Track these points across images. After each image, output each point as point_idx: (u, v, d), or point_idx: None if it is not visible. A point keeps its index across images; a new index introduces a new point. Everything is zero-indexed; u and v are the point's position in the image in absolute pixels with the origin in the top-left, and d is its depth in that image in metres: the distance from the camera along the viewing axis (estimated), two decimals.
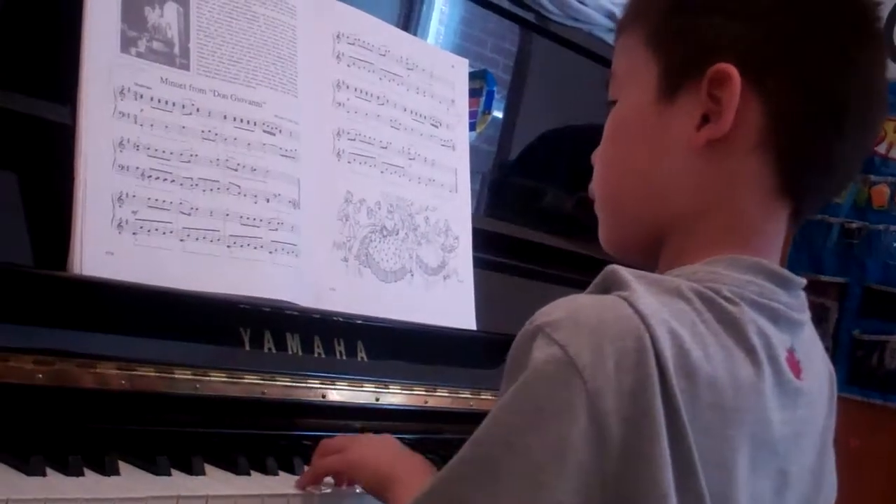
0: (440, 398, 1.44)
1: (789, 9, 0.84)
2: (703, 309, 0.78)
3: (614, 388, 0.71)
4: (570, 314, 0.75)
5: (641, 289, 0.76)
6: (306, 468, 1.14)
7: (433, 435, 1.45)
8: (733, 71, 0.82)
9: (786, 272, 0.85)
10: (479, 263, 1.54)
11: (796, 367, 0.85)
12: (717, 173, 0.84)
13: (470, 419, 1.47)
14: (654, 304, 0.75)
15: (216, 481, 1.04)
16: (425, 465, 1.08)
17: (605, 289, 0.79)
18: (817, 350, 0.91)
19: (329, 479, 1.12)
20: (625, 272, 0.78)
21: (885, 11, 2.80)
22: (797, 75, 0.83)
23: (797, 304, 0.86)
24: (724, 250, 0.84)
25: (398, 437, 1.38)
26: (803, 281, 0.87)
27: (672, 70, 0.86)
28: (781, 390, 0.82)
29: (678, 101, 0.86)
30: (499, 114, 1.84)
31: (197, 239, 1.19)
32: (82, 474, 0.96)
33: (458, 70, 1.59)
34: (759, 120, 0.83)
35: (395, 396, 1.39)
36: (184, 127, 1.20)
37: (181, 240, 1.18)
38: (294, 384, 1.27)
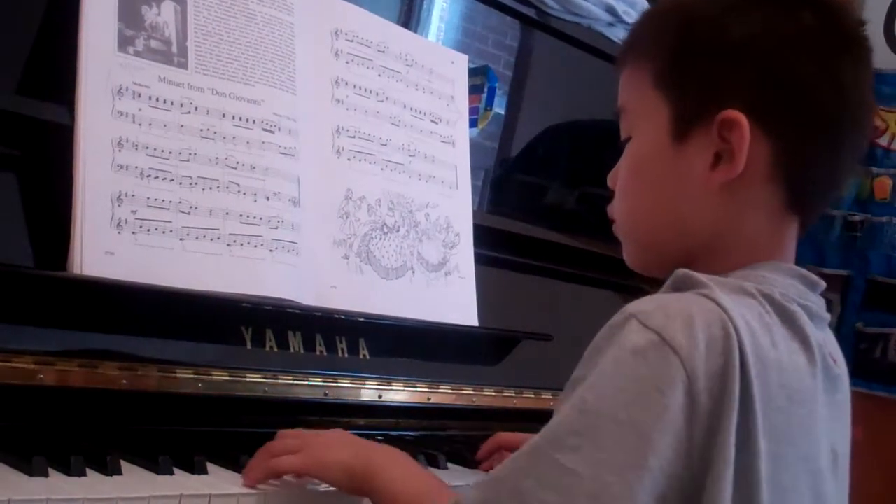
0: (443, 395, 1.44)
1: (788, 50, 0.90)
2: (766, 303, 0.87)
3: (705, 370, 0.80)
4: (660, 306, 0.83)
5: (716, 287, 0.85)
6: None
7: (436, 432, 1.45)
8: (741, 117, 0.88)
9: (812, 275, 0.94)
10: (480, 260, 1.53)
11: (832, 357, 0.94)
12: (732, 204, 0.92)
13: (473, 415, 1.48)
14: (729, 300, 0.84)
15: (219, 480, 1.04)
16: (399, 452, 1.07)
17: (679, 289, 0.87)
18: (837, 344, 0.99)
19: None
20: (698, 274, 0.87)
21: (884, 9, 2.80)
22: (798, 112, 0.90)
23: (821, 303, 0.95)
24: (746, 264, 0.92)
25: (401, 435, 1.39)
26: (823, 283, 0.95)
27: (683, 115, 0.92)
28: (826, 375, 0.91)
29: (691, 143, 0.92)
30: (500, 110, 1.84)
31: (197, 238, 1.19)
32: (84, 474, 0.96)
33: (458, 66, 1.59)
34: (768, 156, 0.90)
35: (397, 393, 1.39)
36: (182, 126, 1.20)
37: (181, 239, 1.17)
38: (296, 382, 1.27)
